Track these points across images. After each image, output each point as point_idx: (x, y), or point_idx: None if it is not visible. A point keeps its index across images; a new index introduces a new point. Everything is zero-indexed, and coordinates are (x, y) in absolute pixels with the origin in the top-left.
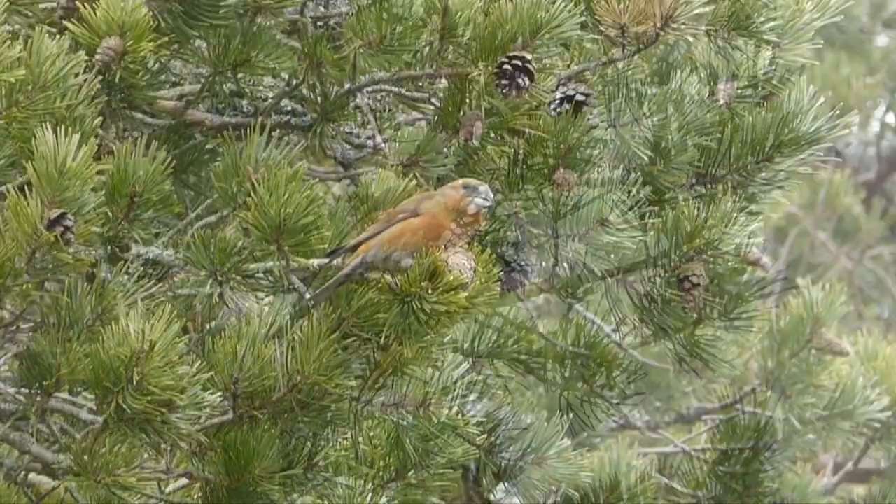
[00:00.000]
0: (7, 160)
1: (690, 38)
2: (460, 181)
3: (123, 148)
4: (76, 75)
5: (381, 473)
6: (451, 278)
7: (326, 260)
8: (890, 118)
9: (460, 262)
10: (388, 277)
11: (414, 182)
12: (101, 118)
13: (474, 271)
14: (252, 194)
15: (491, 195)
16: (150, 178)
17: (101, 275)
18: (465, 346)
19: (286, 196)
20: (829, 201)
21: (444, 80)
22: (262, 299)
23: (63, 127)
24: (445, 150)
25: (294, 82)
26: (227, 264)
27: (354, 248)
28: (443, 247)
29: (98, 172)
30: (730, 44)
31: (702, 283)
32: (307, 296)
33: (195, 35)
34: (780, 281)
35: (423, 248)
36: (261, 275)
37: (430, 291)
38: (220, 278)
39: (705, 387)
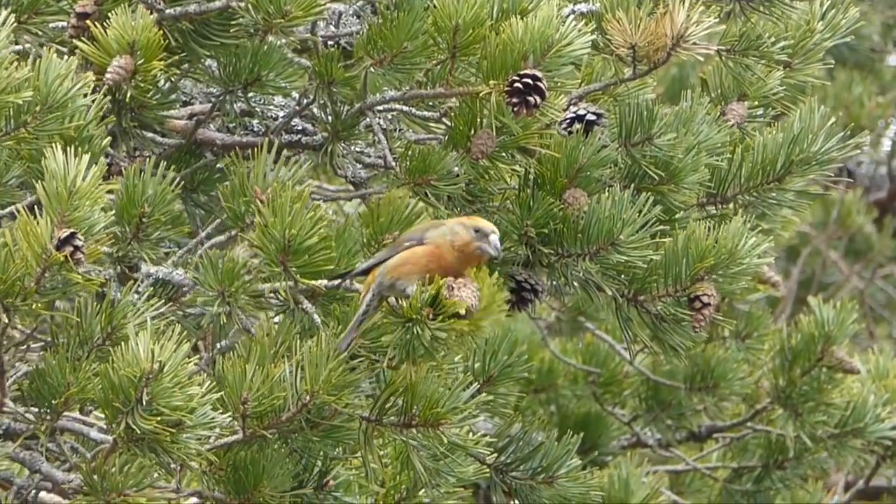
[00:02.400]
0: (16, 180)
1: (701, 59)
2: (472, 221)
3: (132, 168)
4: (85, 95)
5: (391, 493)
6: (452, 305)
7: (335, 282)
8: None
9: (464, 296)
10: (391, 300)
11: (422, 203)
12: (110, 138)
13: (476, 307)
14: (258, 215)
15: (499, 245)
16: (159, 198)
17: (110, 294)
18: (476, 364)
19: (291, 217)
20: (841, 220)
21: (454, 99)
22: (272, 318)
23: (72, 147)
24: (456, 168)
25: (305, 101)
26: (235, 285)
27: (363, 272)
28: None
29: (108, 192)
30: (740, 64)
31: (712, 302)
32: (334, 340)
33: (206, 54)
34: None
35: (427, 277)
36: (269, 294)
37: (430, 318)
38: (228, 299)
39: (717, 405)
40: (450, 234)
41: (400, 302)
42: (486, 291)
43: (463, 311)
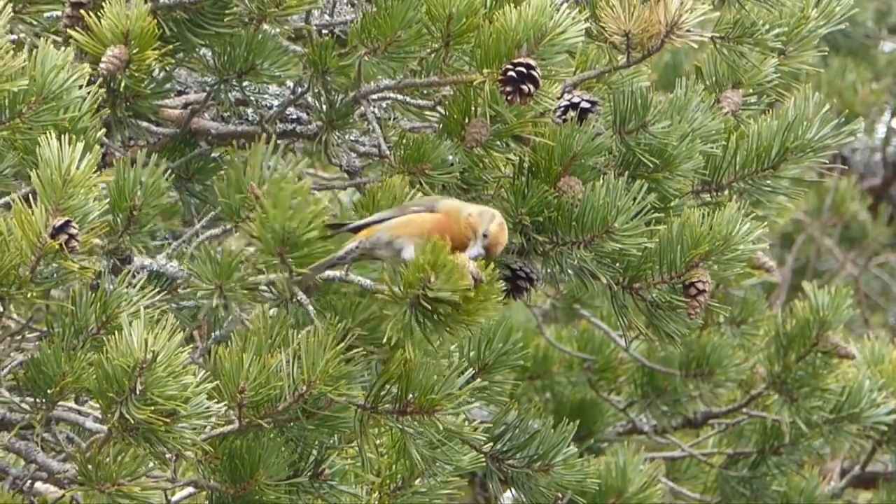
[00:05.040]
0: (11, 170)
1: (695, 46)
2: (495, 226)
3: (123, 159)
4: (80, 87)
5: (387, 482)
6: (455, 268)
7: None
8: None
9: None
10: (388, 266)
11: (419, 192)
12: (105, 129)
13: (479, 278)
14: (258, 208)
15: (475, 258)
16: (151, 189)
17: (104, 284)
18: (471, 352)
19: (292, 210)
20: (836, 207)
21: (448, 88)
22: (267, 310)
23: (67, 136)
24: (451, 157)
25: (299, 90)
26: (232, 278)
27: (358, 229)
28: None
29: (102, 182)
30: (735, 51)
31: (707, 289)
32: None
33: (200, 43)
34: None
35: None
36: (265, 287)
37: (432, 280)
38: (225, 292)
39: (712, 391)
40: (465, 210)
41: (397, 268)
42: (486, 277)
43: (469, 272)
